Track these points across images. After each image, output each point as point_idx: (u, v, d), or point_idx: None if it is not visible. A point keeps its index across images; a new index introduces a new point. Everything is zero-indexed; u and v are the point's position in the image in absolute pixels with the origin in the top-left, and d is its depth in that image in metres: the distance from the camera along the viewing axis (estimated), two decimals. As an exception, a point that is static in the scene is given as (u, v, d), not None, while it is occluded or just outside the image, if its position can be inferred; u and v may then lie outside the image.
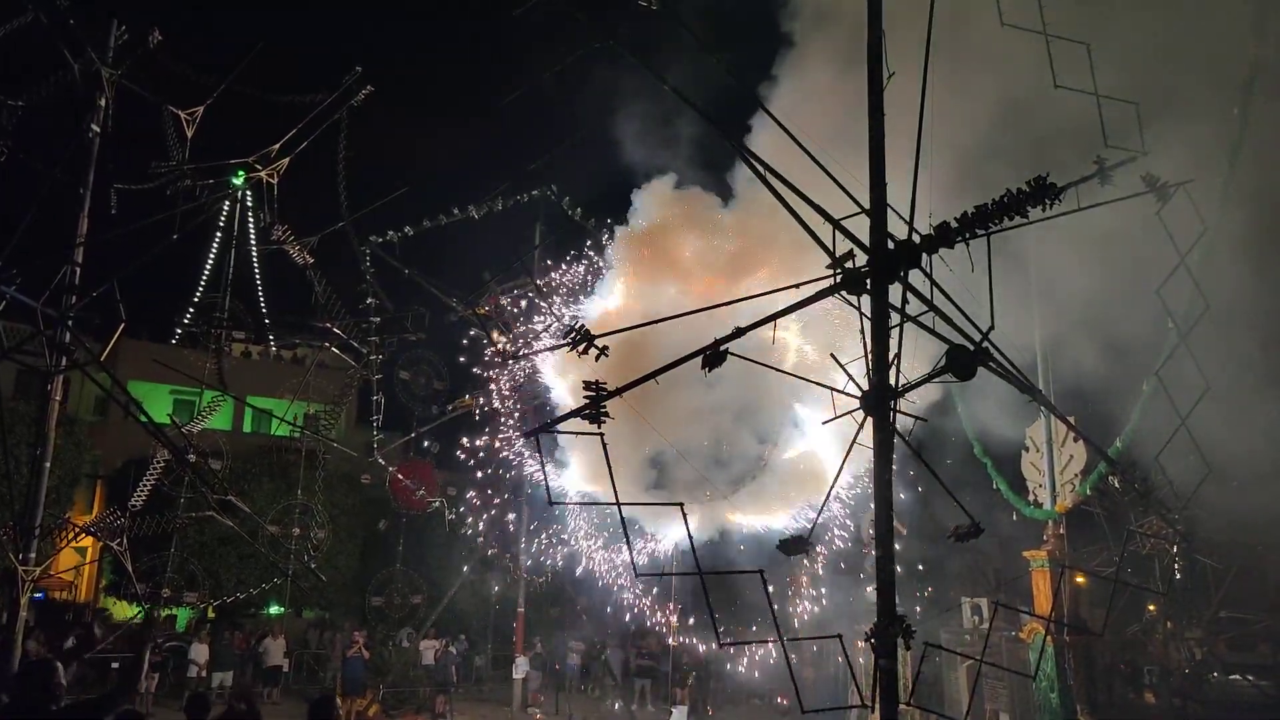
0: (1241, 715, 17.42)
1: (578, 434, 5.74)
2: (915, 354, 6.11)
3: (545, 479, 5.90)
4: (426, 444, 21.70)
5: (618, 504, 5.60)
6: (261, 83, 11.41)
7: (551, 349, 5.46)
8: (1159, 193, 7.21)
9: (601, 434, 5.69)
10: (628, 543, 5.64)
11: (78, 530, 11.70)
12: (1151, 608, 20.09)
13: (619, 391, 5.84)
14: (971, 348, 5.79)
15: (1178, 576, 19.05)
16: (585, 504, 11.14)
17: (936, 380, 5.92)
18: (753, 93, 6.08)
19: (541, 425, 5.86)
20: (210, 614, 23.14)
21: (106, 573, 24.38)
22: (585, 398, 5.72)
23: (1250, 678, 18.15)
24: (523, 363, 16.03)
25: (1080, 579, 17.21)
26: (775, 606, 6.04)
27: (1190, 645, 19.13)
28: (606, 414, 5.73)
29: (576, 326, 5.73)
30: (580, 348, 5.71)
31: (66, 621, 23.10)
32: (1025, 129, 10.30)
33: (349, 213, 14.07)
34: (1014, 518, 15.53)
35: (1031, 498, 14.56)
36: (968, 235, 5.87)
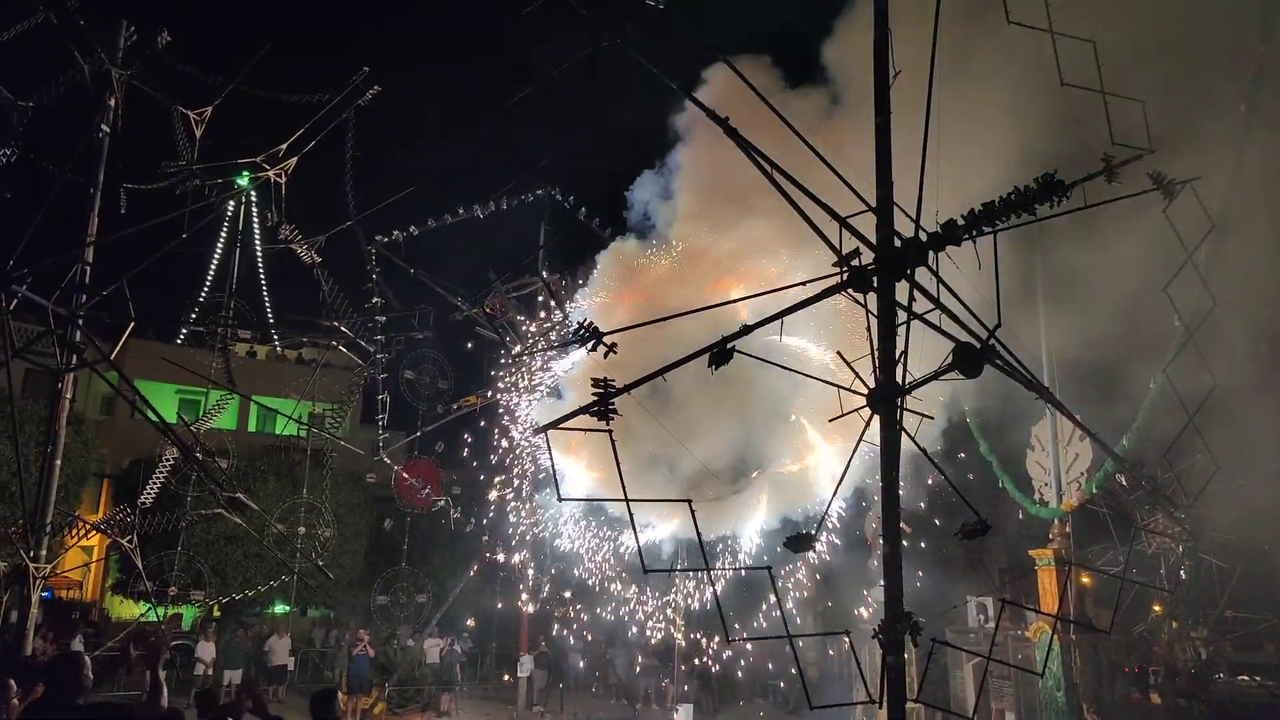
0: (1248, 716, 17.36)
1: (586, 430, 5.78)
2: (922, 352, 6.11)
3: (554, 475, 5.94)
4: (439, 447, 21.78)
5: (625, 499, 5.63)
6: (269, 83, 11.48)
7: (560, 346, 5.48)
8: (1166, 190, 7.24)
9: (610, 430, 5.72)
10: (636, 538, 5.66)
11: (89, 527, 11.76)
12: (1158, 608, 20.03)
13: (627, 388, 5.87)
14: (978, 345, 5.82)
15: (1183, 576, 18.99)
16: (594, 499, 11.14)
17: (943, 378, 5.93)
18: (758, 91, 6.10)
19: (550, 422, 5.88)
20: (216, 612, 23.23)
21: (113, 571, 24.50)
22: (593, 394, 5.76)
23: (1257, 678, 18.08)
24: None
25: (1086, 578, 17.18)
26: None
27: (1196, 645, 19.07)
28: (615, 410, 5.76)
29: (584, 323, 5.75)
30: (588, 345, 5.74)
31: (74, 620, 23.23)
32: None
33: (356, 212, 14.11)
34: (1020, 516, 15.53)
35: (1037, 496, 14.56)
36: (974, 233, 5.88)
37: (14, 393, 9.86)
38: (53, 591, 24.83)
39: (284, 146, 11.73)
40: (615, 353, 5.78)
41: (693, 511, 5.87)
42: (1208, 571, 19.02)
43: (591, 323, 5.72)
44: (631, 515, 5.74)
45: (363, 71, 12.04)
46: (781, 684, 21.98)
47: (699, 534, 5.74)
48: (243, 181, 12.30)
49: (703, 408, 12.84)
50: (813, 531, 6.34)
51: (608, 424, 5.68)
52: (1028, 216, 5.89)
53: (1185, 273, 7.52)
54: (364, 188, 14.46)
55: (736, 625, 15.23)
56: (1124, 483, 13.35)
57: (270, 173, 11.63)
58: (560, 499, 5.94)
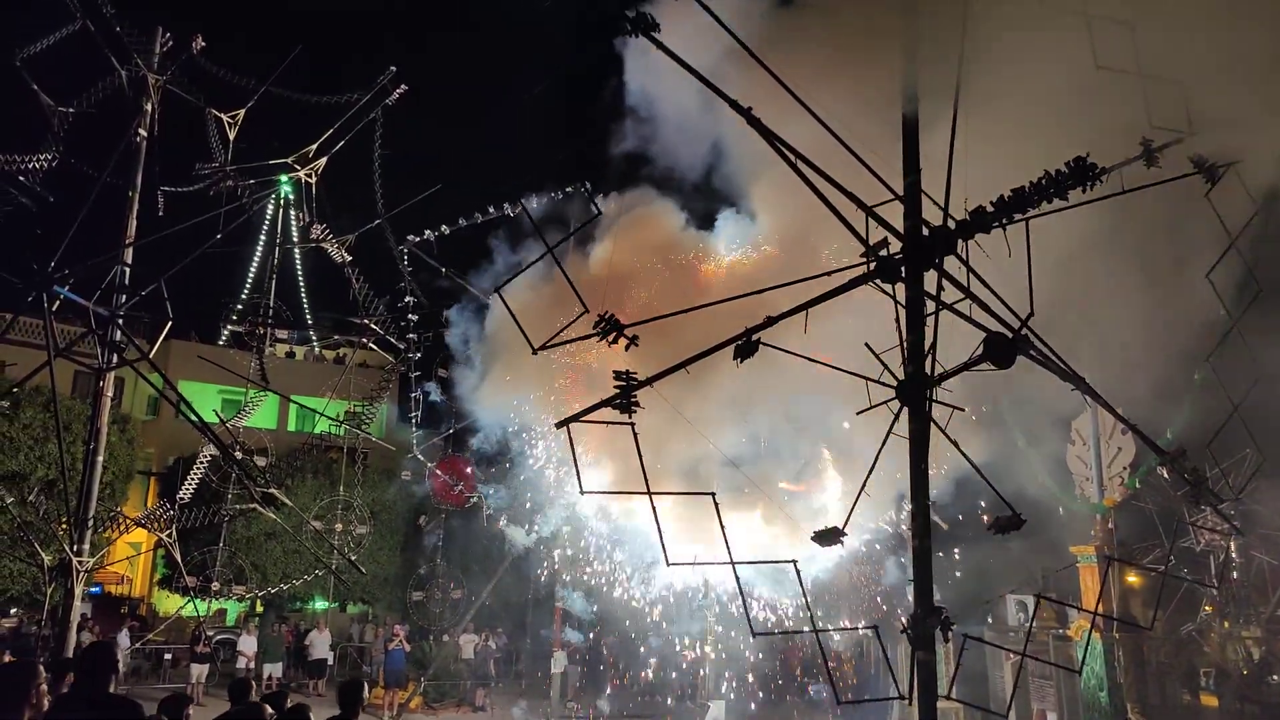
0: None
1: (608, 423, 5.76)
2: (952, 342, 5.97)
3: (576, 468, 5.92)
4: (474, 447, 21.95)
5: (649, 493, 5.59)
6: (300, 84, 11.65)
7: (579, 339, 5.47)
8: (1208, 173, 6.99)
9: (632, 423, 5.68)
10: (660, 534, 5.63)
11: (129, 522, 12.05)
12: (1209, 607, 19.48)
13: (649, 381, 5.83)
14: (1010, 335, 5.67)
15: (1234, 574, 18.44)
16: (616, 493, 11.11)
17: (974, 369, 5.80)
18: (781, 81, 6.01)
19: (572, 415, 5.87)
20: (259, 608, 23.68)
21: (160, 566, 25.12)
22: (615, 387, 5.72)
23: (1313, 680, 17.48)
24: None
25: (1133, 578, 16.74)
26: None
27: (1247, 645, 18.51)
28: (637, 403, 5.72)
29: (605, 315, 5.72)
30: (609, 337, 5.70)
31: (122, 614, 23.87)
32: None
33: (385, 210, 14.25)
34: (1060, 512, 15.17)
35: (1079, 492, 14.22)
36: (1005, 220, 5.73)
37: (57, 393, 10.10)
38: (102, 586, 25.52)
39: (314, 147, 11.91)
40: (636, 345, 5.75)
41: (716, 505, 5.82)
42: (1259, 569, 18.46)
43: (611, 314, 5.69)
44: (654, 509, 5.70)
45: (390, 71, 12.18)
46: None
47: (722, 527, 5.68)
48: (287, 187, 12.50)
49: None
50: (841, 526, 6.23)
51: (629, 416, 5.66)
52: (1060, 203, 5.73)
53: (1229, 258, 7.27)
54: (396, 186, 14.61)
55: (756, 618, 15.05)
56: (1166, 477, 12.99)
57: (300, 173, 11.82)
58: (582, 492, 5.91)
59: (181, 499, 13.73)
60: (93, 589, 23.52)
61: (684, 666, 21.00)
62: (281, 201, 13.99)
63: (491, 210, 16.50)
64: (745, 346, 5.85)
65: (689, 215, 15.67)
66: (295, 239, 13.92)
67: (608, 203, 14.71)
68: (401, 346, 15.19)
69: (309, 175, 11.85)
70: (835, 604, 16.11)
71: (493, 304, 14.99)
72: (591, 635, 21.64)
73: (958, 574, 17.23)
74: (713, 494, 5.97)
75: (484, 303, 17.20)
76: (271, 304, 13.88)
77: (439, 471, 20.20)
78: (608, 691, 20.53)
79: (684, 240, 15.50)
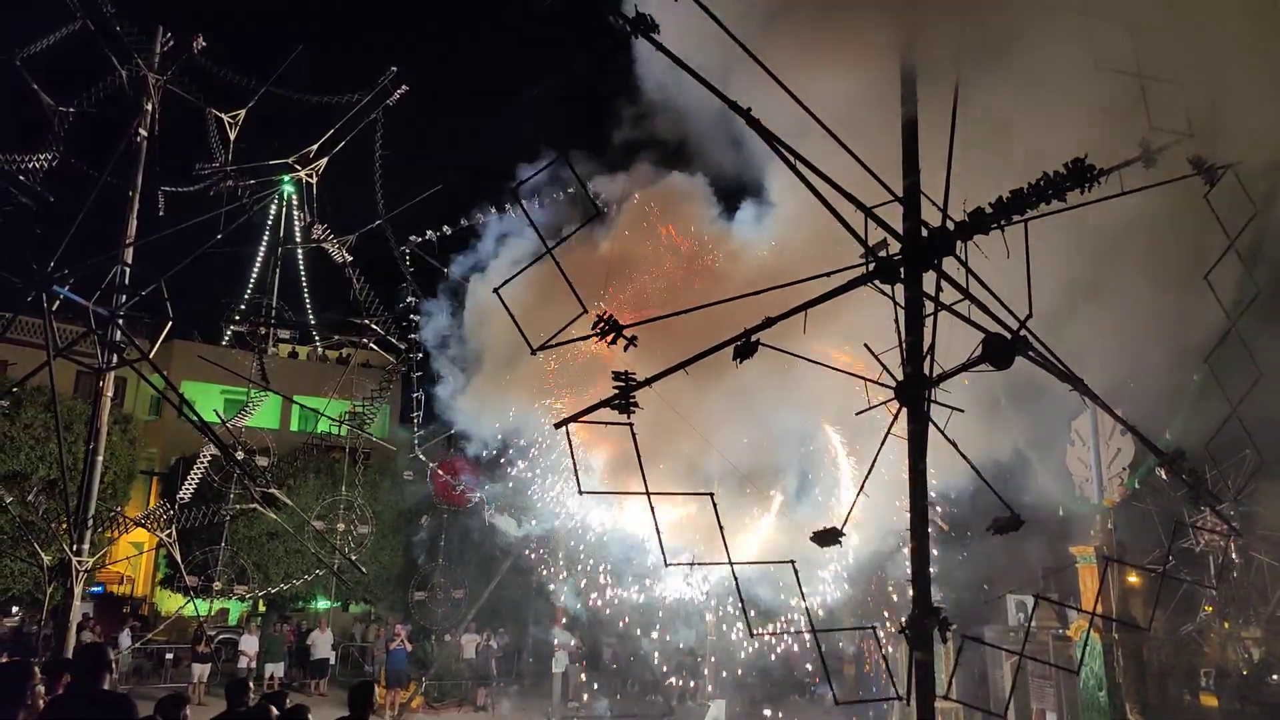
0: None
1: (608, 424, 5.77)
2: (951, 343, 5.97)
3: (575, 469, 5.92)
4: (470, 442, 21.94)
5: (647, 493, 5.60)
6: (301, 85, 11.65)
7: (578, 340, 5.46)
8: (1207, 175, 6.98)
9: (631, 424, 5.69)
10: (657, 532, 5.63)
11: (128, 522, 12.07)
12: (1208, 608, 19.46)
13: (648, 382, 5.84)
14: (1009, 336, 5.68)
15: (1234, 575, 18.42)
16: (615, 493, 11.11)
17: (973, 370, 5.81)
18: (781, 82, 6.01)
19: (570, 415, 5.87)
20: (261, 607, 23.71)
21: (162, 566, 25.15)
22: (614, 387, 5.73)
23: (1313, 681, 17.44)
24: None
25: (1134, 578, 16.71)
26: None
27: (1247, 645, 18.49)
28: (635, 404, 5.73)
29: (604, 315, 5.73)
30: (608, 337, 5.71)
31: (124, 614, 23.91)
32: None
33: (386, 211, 14.24)
34: (1060, 513, 15.17)
35: (1078, 492, 14.22)
36: (1003, 221, 5.73)
37: (57, 392, 10.12)
38: (104, 586, 25.55)
39: (314, 147, 11.92)
40: (635, 345, 5.75)
41: (714, 505, 5.83)
42: (1258, 570, 18.43)
43: (610, 314, 5.69)
44: (653, 509, 5.71)
45: (390, 71, 12.17)
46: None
47: (721, 527, 5.69)
48: (289, 188, 12.50)
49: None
50: (840, 526, 6.24)
51: (628, 417, 5.66)
52: (1059, 204, 5.73)
53: (1228, 259, 7.27)
54: (396, 186, 14.59)
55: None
56: (1165, 477, 13.00)
57: (301, 173, 11.82)
58: (581, 492, 5.94)
59: (181, 499, 13.74)
60: (94, 589, 23.56)
61: (683, 666, 21.04)
62: (283, 202, 14.03)
63: (493, 211, 16.51)
64: (744, 347, 5.86)
65: (702, 201, 15.50)
66: (297, 239, 13.95)
67: (614, 183, 14.51)
68: (403, 347, 15.20)
69: (310, 175, 11.86)
70: (851, 606, 16.07)
71: (479, 295, 14.87)
72: (580, 637, 21.64)
73: (984, 585, 17.19)
74: (711, 494, 6.00)
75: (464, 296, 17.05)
76: (274, 304, 13.89)
77: (440, 471, 20.22)
78: (613, 698, 20.52)
79: (698, 227, 15.35)
